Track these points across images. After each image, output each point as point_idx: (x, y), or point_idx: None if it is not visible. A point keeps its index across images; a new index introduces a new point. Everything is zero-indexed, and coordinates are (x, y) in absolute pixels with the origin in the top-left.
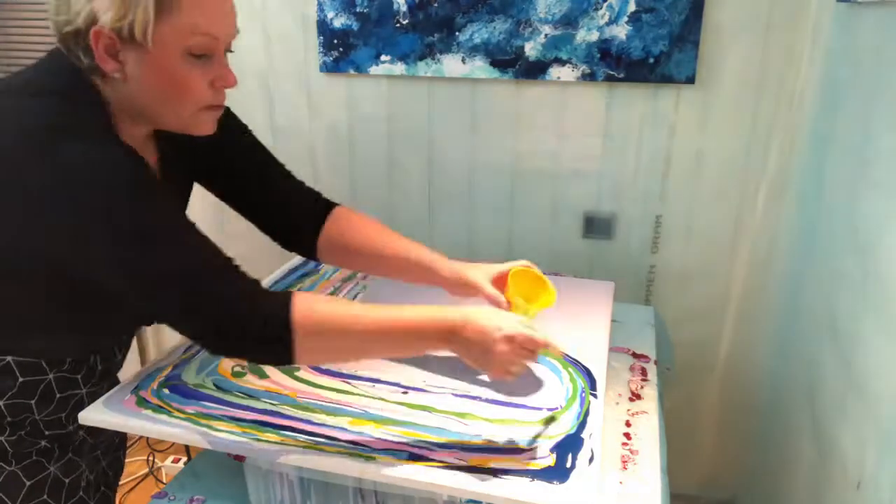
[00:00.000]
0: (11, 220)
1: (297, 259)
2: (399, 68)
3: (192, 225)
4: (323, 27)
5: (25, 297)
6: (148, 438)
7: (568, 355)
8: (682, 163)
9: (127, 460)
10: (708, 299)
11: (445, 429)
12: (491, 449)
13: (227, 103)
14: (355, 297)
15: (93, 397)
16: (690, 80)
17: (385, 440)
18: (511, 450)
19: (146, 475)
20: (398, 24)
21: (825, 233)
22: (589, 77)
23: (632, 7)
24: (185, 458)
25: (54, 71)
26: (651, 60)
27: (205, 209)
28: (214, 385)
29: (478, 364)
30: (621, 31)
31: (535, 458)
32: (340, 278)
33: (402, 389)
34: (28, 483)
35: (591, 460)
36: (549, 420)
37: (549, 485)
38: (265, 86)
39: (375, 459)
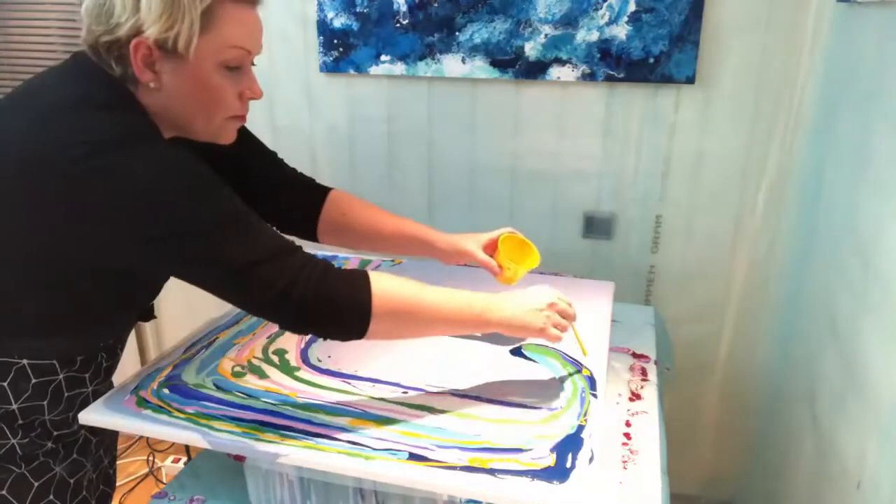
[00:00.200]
0: (62, 231)
1: None
2: (399, 68)
3: (253, 212)
4: (323, 27)
5: (49, 301)
6: (148, 438)
7: (567, 355)
8: (682, 163)
9: (127, 460)
10: (708, 299)
11: (445, 429)
12: (491, 449)
13: None
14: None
15: (97, 395)
16: (690, 80)
17: (385, 440)
18: (511, 450)
19: (146, 475)
20: (398, 24)
21: (825, 233)
22: (589, 77)
23: (632, 7)
24: (185, 458)
25: (99, 81)
26: (651, 60)
27: None
28: (214, 385)
29: (527, 329)
30: (621, 31)
31: (535, 459)
32: None
33: (402, 389)
34: (35, 484)
35: (591, 460)
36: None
37: (549, 485)
38: (265, 86)
39: (375, 459)
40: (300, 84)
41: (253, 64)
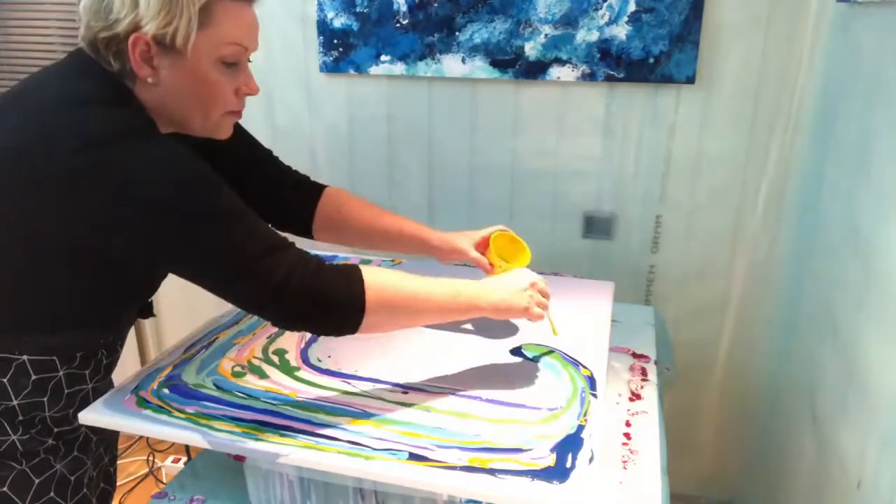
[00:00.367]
0: (59, 225)
1: None
2: (399, 68)
3: (249, 208)
4: (323, 27)
5: (48, 297)
6: (148, 438)
7: (567, 355)
8: (682, 163)
9: (127, 460)
10: (708, 299)
11: (445, 429)
12: (491, 449)
13: None
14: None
15: (97, 392)
16: (690, 80)
17: (385, 440)
18: (511, 450)
19: (146, 475)
20: (398, 24)
21: (825, 233)
22: (589, 77)
23: (632, 7)
24: (185, 458)
25: (96, 77)
26: (651, 60)
27: None
28: (214, 385)
29: (514, 309)
30: (621, 31)
31: (535, 459)
32: None
33: (402, 389)
34: (36, 481)
35: (591, 460)
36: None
37: (549, 485)
38: (265, 86)
39: (375, 459)
40: (300, 84)
41: (249, 60)
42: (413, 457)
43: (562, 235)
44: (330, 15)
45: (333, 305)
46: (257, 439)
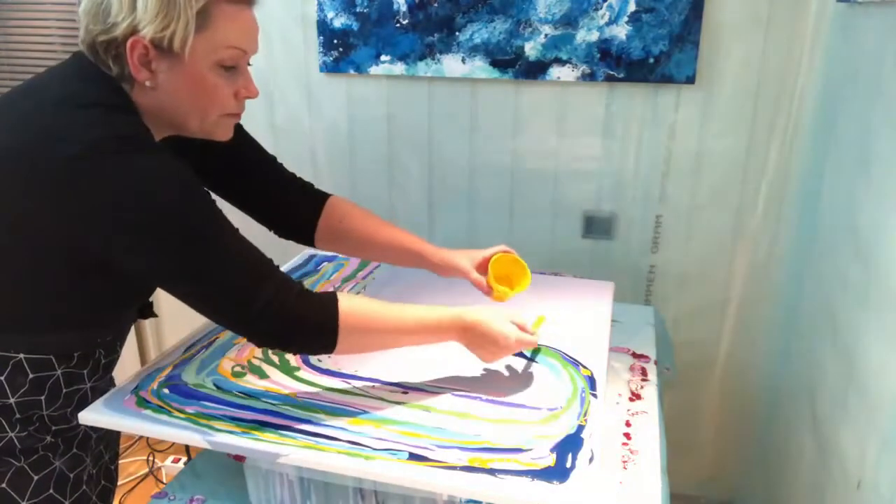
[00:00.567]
0: (51, 227)
1: (296, 259)
2: (399, 68)
3: (238, 229)
4: (323, 27)
5: (44, 297)
6: (148, 438)
7: (567, 355)
8: (682, 163)
9: (127, 460)
10: (708, 299)
11: (445, 429)
12: (491, 449)
13: None
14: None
15: (95, 391)
16: (690, 80)
17: (385, 440)
18: (511, 450)
19: (146, 475)
20: (398, 24)
21: (825, 233)
22: (589, 77)
23: (632, 7)
24: (185, 458)
25: (94, 80)
26: (651, 60)
27: None
28: (214, 385)
29: (483, 355)
30: (621, 31)
31: (535, 459)
32: (340, 278)
33: (402, 389)
34: (35, 478)
35: (591, 460)
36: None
37: (549, 485)
38: (265, 86)
39: (375, 459)
40: (300, 84)
41: (249, 63)
42: (413, 457)
43: (562, 235)
44: (330, 15)
45: (309, 331)
46: (257, 439)
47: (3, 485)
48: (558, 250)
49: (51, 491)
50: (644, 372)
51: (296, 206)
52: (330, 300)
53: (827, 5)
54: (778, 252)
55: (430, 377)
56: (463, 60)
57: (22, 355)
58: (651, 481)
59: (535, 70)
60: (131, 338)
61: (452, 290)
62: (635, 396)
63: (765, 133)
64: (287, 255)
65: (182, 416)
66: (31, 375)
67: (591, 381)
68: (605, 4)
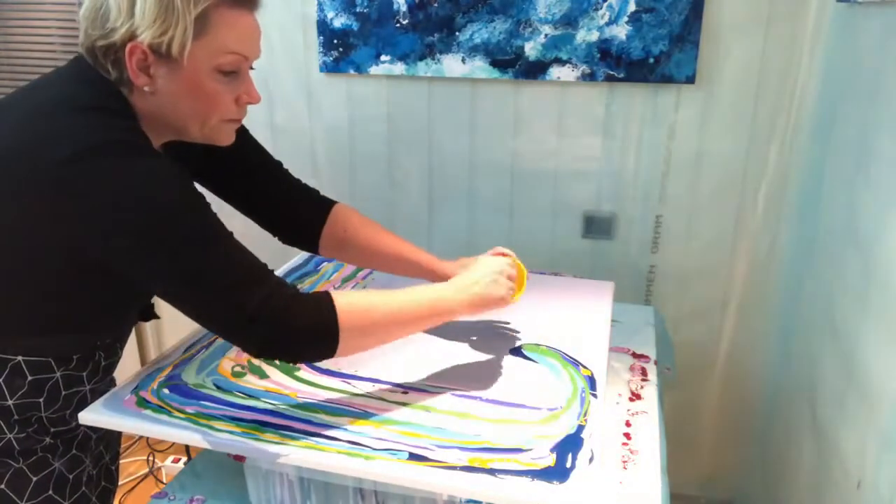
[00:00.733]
0: (47, 229)
1: (296, 260)
2: (399, 68)
3: (232, 234)
4: (323, 27)
5: (41, 299)
6: (148, 438)
7: (567, 355)
8: (682, 163)
9: (127, 460)
10: (708, 299)
11: (445, 429)
12: (491, 449)
13: None
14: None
15: (95, 393)
16: (690, 80)
17: (385, 440)
18: (511, 450)
19: (146, 475)
20: (398, 24)
21: (825, 233)
22: (589, 77)
23: (632, 7)
24: (185, 458)
25: (92, 83)
26: (651, 60)
27: None
28: (214, 385)
29: (492, 301)
30: (621, 31)
31: (535, 459)
32: (340, 278)
33: (402, 389)
34: (34, 479)
35: (591, 460)
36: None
37: (549, 485)
38: (265, 86)
39: (375, 459)
40: (300, 84)
41: (251, 68)
42: (413, 457)
43: (562, 235)
44: (330, 15)
45: (306, 336)
46: (257, 439)
47: (2, 486)
48: (558, 250)
49: (50, 492)
50: (644, 372)
51: (300, 214)
52: (325, 300)
53: (827, 5)
54: (778, 252)
55: (430, 377)
56: (463, 60)
57: (20, 357)
58: (651, 481)
59: (535, 70)
60: (131, 338)
61: None
62: (635, 396)
63: (765, 133)
64: (287, 256)
65: (182, 416)
66: (29, 377)
67: (591, 381)
68: (605, 4)
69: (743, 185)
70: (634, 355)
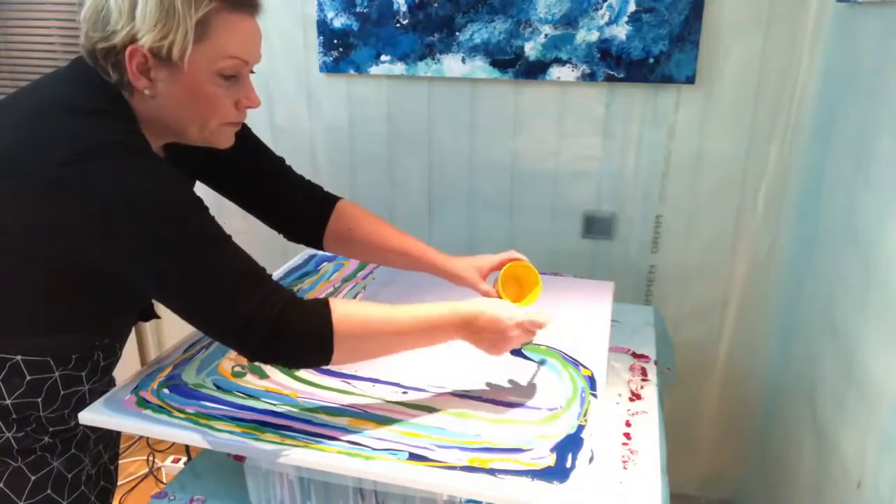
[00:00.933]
0: (44, 230)
1: (296, 260)
2: (399, 68)
3: (231, 237)
4: (323, 27)
5: (40, 299)
6: (148, 438)
7: (567, 355)
8: (682, 163)
9: (127, 460)
10: (708, 299)
11: (445, 429)
12: (491, 449)
13: None
14: (355, 296)
15: (94, 393)
16: (690, 80)
17: (385, 440)
18: (511, 450)
19: (146, 475)
20: (398, 24)
21: (825, 233)
22: (589, 77)
23: (632, 7)
24: (185, 458)
25: (92, 85)
26: (651, 60)
27: None
28: (214, 385)
29: (490, 347)
30: (621, 31)
31: (535, 459)
32: (340, 278)
33: (402, 389)
34: (33, 478)
35: (591, 460)
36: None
37: (549, 485)
38: (265, 86)
39: (375, 459)
40: (300, 84)
41: (252, 72)
42: (413, 457)
43: (562, 235)
44: (330, 15)
45: (301, 342)
46: (257, 439)
47: (1, 485)
48: (558, 250)
49: (48, 491)
50: (644, 372)
51: (304, 211)
52: (322, 306)
53: (827, 5)
54: (778, 252)
55: (430, 377)
56: (463, 60)
57: (19, 357)
58: (651, 481)
59: (535, 70)
60: (131, 338)
61: (454, 291)
62: (635, 396)
63: (765, 133)
64: (287, 256)
65: (182, 416)
66: (28, 377)
67: (591, 381)
68: (605, 4)
69: (743, 185)
70: (634, 355)
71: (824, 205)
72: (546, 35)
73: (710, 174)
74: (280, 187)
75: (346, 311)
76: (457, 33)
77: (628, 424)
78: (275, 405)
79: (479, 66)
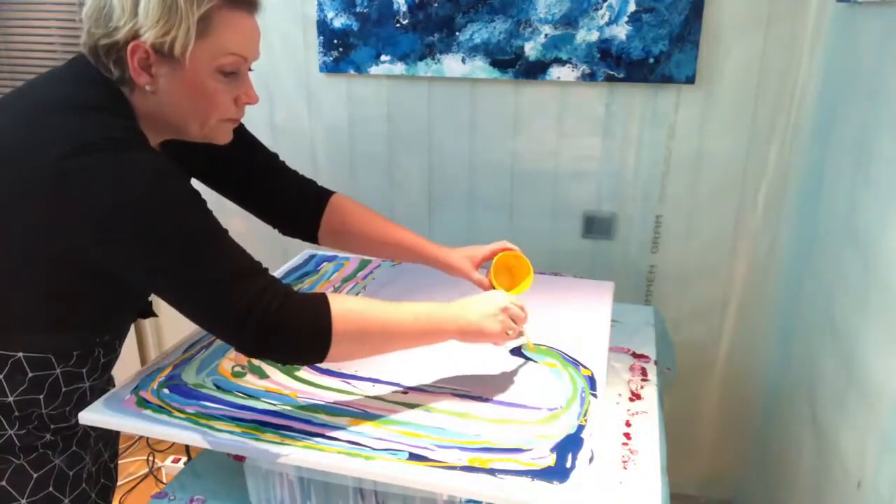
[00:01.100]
0: (43, 227)
1: (296, 259)
2: (399, 68)
3: (227, 231)
4: (323, 27)
5: (40, 296)
6: (148, 438)
7: (567, 355)
8: (682, 163)
9: (127, 460)
10: (708, 299)
11: (445, 429)
12: (491, 449)
13: None
14: (356, 296)
15: (94, 390)
16: (690, 80)
17: (385, 440)
18: (511, 450)
19: (146, 475)
20: (398, 24)
21: (825, 233)
22: (589, 77)
23: (632, 7)
24: (185, 458)
25: (90, 82)
26: (651, 60)
27: None
28: (214, 385)
29: (485, 334)
30: (621, 31)
31: (535, 459)
32: (340, 278)
33: (402, 389)
34: (35, 476)
35: (591, 460)
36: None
37: (549, 485)
38: (265, 86)
39: (375, 459)
40: (300, 84)
41: (250, 69)
42: (413, 457)
43: (562, 235)
44: (330, 15)
45: (298, 334)
46: (257, 439)
47: (3, 482)
48: (558, 250)
49: (50, 489)
50: (644, 372)
51: (298, 206)
52: (320, 301)
53: (827, 5)
54: (778, 252)
55: (430, 377)
56: (463, 60)
57: (21, 354)
58: (651, 481)
59: (535, 70)
60: (131, 338)
61: (453, 289)
62: (635, 396)
63: (765, 133)
64: (287, 256)
65: (182, 416)
66: (29, 374)
67: (591, 381)
68: (605, 4)
69: (743, 185)
70: (634, 355)
71: (824, 205)
72: (546, 35)
73: (710, 174)
74: (275, 183)
75: (344, 306)
76: (457, 33)
77: (628, 424)
78: (275, 405)
79: (479, 66)
